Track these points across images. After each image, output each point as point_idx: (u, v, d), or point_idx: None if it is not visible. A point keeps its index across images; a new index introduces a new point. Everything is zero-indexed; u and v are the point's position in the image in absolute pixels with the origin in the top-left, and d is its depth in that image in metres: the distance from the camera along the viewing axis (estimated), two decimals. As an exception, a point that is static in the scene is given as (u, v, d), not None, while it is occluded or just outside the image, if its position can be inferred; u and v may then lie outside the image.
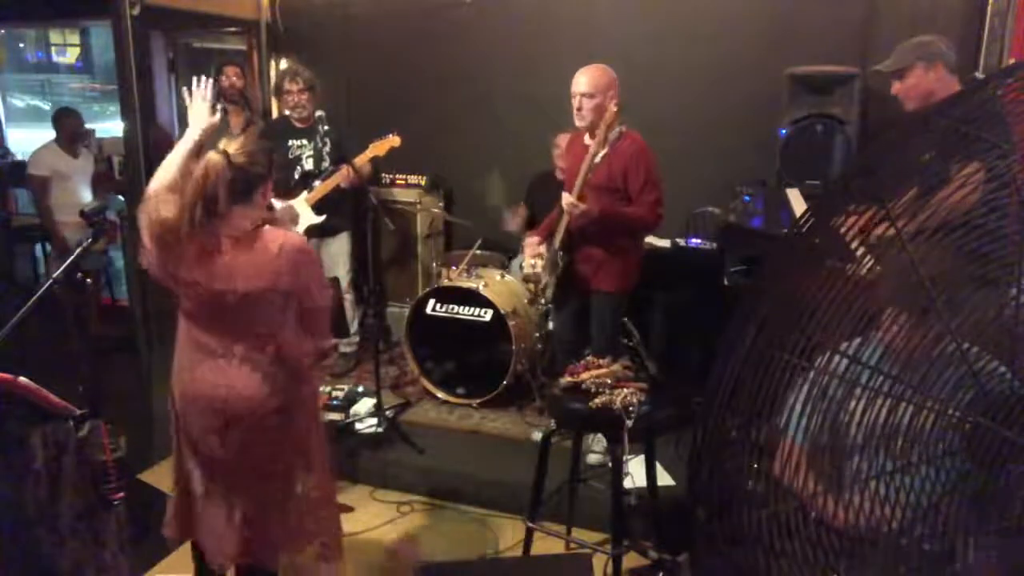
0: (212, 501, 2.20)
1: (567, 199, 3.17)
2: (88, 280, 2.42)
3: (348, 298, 4.41)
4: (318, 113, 4.05)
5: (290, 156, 4.21)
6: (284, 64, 5.15)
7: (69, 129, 5.20)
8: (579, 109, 3.17)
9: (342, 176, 4.03)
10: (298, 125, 4.23)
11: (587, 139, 3.27)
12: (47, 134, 5.33)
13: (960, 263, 1.24)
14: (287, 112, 4.29)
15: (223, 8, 4.97)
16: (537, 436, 3.58)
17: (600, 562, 2.67)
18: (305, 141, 4.22)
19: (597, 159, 3.12)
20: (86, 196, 5.19)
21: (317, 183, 4.14)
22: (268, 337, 2.07)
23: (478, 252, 4.44)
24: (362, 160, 4.00)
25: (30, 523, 2.03)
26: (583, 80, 3.16)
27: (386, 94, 4.98)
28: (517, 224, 4.38)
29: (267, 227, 2.06)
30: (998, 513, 1.23)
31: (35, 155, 5.24)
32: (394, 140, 4.06)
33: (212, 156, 1.98)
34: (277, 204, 2.40)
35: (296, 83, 4.15)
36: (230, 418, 2.08)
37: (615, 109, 3.10)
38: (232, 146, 2.02)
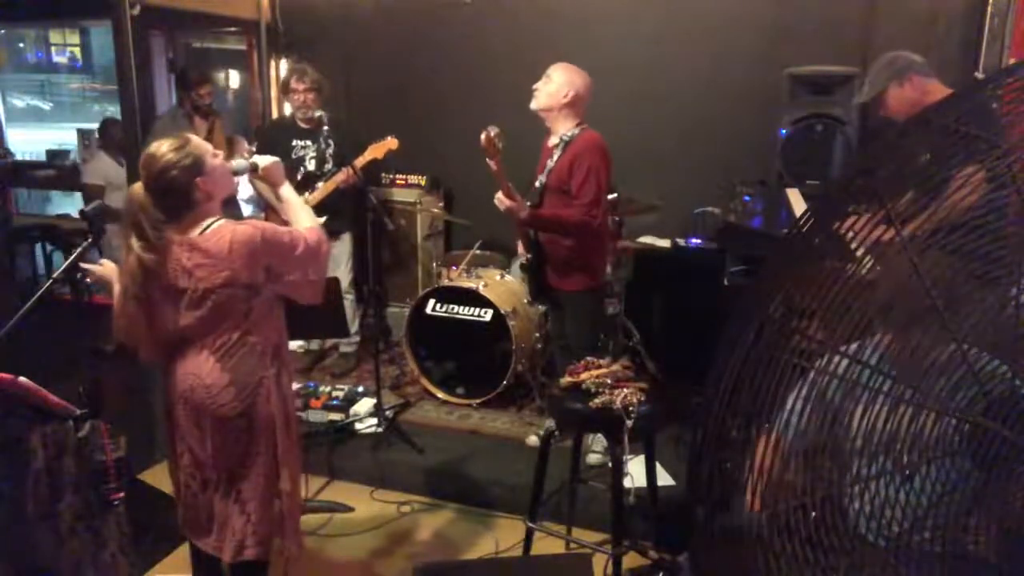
0: (206, 495, 2.22)
1: (497, 197, 3.14)
2: (88, 280, 2.42)
3: (348, 298, 4.41)
4: (317, 113, 4.04)
5: (293, 156, 4.20)
6: (284, 64, 5.15)
7: (117, 138, 5.24)
8: (535, 89, 3.21)
9: (343, 178, 4.04)
10: (303, 125, 4.21)
11: (550, 141, 3.28)
12: (47, 134, 5.35)
13: (960, 263, 1.24)
14: (293, 111, 4.28)
15: (223, 8, 4.97)
16: (534, 441, 3.60)
17: (600, 562, 2.66)
18: (309, 142, 4.21)
19: (552, 161, 3.09)
20: None
21: (319, 184, 4.14)
22: (234, 327, 2.12)
23: (478, 252, 4.44)
24: (361, 162, 4.00)
25: (30, 523, 2.03)
26: (551, 68, 3.21)
27: (386, 94, 4.98)
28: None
29: (221, 222, 2.10)
30: (998, 513, 1.23)
31: (87, 166, 5.43)
32: (392, 143, 4.05)
33: (133, 188, 2.09)
34: (262, 161, 2.36)
35: (303, 82, 4.13)
36: (196, 407, 2.13)
37: (565, 102, 3.14)
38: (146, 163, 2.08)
